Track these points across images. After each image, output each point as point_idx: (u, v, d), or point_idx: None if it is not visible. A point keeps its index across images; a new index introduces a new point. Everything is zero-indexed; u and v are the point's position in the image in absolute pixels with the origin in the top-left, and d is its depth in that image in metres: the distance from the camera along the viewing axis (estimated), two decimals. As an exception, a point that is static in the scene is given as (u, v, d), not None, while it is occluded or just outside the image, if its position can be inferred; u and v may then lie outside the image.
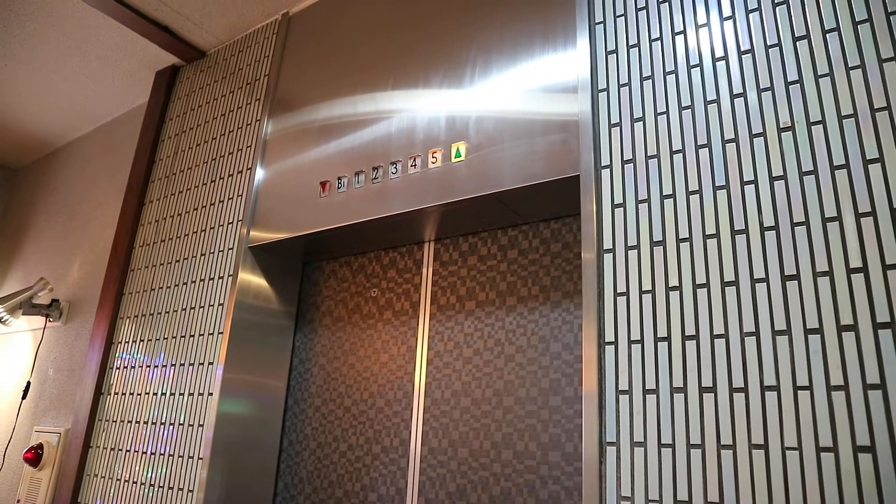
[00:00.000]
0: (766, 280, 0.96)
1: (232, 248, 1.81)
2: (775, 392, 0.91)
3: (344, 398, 1.67)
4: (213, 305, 1.79)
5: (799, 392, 0.89)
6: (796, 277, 0.94)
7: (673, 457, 0.97)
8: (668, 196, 1.08)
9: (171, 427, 1.74)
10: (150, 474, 1.74)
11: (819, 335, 0.90)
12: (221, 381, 1.65)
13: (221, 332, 1.71)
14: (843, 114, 0.97)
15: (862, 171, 0.93)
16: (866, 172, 0.92)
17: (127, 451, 1.84)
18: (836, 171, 0.95)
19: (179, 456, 1.68)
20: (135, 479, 1.78)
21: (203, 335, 1.77)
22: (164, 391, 1.81)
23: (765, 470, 0.89)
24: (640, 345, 1.04)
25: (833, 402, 0.87)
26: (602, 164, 1.18)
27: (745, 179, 1.02)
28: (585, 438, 1.04)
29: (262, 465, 1.72)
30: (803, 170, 0.97)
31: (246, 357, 1.72)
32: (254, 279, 1.79)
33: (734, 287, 0.98)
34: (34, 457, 2.15)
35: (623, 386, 1.04)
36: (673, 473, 0.96)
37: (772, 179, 1.00)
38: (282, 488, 1.73)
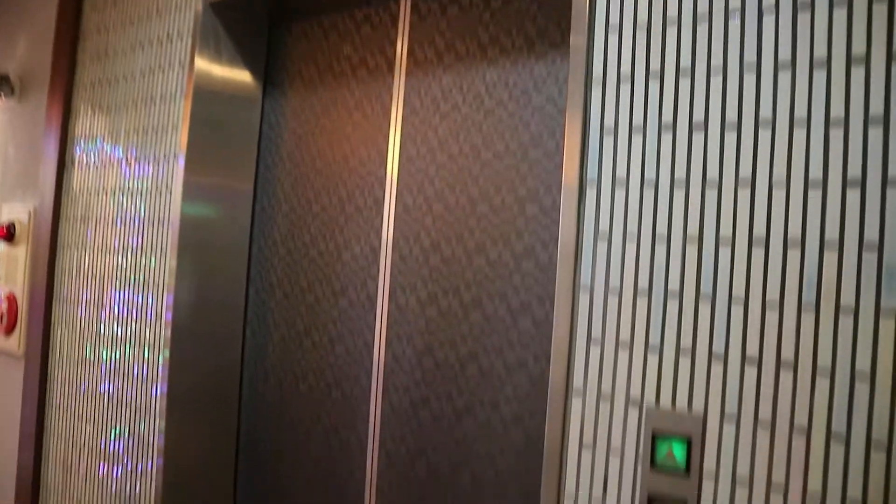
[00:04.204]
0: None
1: (190, 7, 1.65)
2: (769, 130, 0.86)
3: (314, 185, 1.61)
4: (173, 66, 1.66)
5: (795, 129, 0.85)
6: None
7: (655, 195, 0.94)
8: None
9: (140, 197, 1.69)
10: (121, 242, 1.73)
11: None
12: (187, 146, 1.57)
13: (184, 95, 1.60)
14: None
15: None
16: None
17: (97, 221, 1.82)
18: None
19: (151, 222, 1.65)
20: (107, 249, 1.77)
21: (164, 99, 1.66)
22: (127, 159, 1.75)
23: (749, 207, 0.87)
24: (629, 83, 0.97)
25: (830, 138, 0.83)
26: None
27: None
28: (563, 224, 1.01)
29: (233, 245, 1.69)
30: None
31: (211, 126, 1.63)
32: (216, 40, 1.64)
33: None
34: (7, 234, 2.13)
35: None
36: (654, 210, 0.94)
37: None
38: (253, 293, 1.72)
